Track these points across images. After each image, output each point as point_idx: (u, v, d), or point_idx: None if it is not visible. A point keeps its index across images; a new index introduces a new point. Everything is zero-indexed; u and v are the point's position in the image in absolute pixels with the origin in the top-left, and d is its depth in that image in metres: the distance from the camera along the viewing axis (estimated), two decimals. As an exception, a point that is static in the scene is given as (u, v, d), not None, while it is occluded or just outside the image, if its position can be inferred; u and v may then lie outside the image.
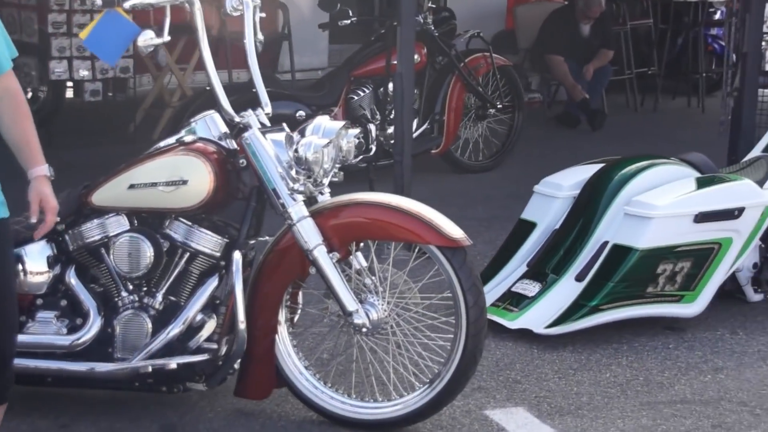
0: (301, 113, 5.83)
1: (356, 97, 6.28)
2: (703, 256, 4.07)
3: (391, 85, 6.30)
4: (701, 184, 4.14)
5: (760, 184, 4.32)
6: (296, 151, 3.07)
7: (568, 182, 4.35)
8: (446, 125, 6.64)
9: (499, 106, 6.86)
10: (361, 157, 6.14)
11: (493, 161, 6.97)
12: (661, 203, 4.01)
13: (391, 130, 6.30)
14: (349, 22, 6.41)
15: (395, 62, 5.72)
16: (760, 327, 4.18)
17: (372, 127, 6.24)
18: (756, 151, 4.55)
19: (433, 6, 6.42)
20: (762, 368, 3.79)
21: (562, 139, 8.13)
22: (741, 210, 4.08)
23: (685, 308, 4.10)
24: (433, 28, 6.48)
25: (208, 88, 3.31)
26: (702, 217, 4.02)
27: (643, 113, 9.34)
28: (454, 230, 3.11)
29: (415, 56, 6.37)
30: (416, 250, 3.25)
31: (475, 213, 5.93)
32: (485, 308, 3.15)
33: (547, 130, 8.40)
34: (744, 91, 5.74)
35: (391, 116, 6.35)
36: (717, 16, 10.68)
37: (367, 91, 6.29)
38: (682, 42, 9.88)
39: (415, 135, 6.49)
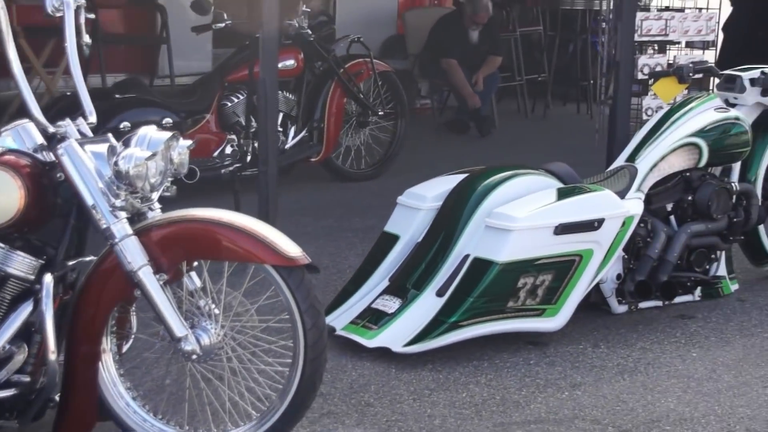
0: (168, 120, 5.58)
1: (230, 104, 6.07)
2: (564, 269, 3.98)
3: (266, 91, 6.15)
4: (562, 195, 4.05)
5: (623, 194, 4.27)
6: (116, 164, 2.87)
7: (431, 193, 4.22)
8: (326, 132, 6.48)
9: (380, 113, 6.74)
10: (234, 166, 5.98)
11: (375, 169, 6.83)
12: (520, 215, 3.91)
13: (266, 138, 6.14)
14: (223, 25, 6.22)
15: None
16: (622, 340, 4.11)
17: (234, 136, 6.03)
18: (620, 161, 4.49)
19: (308, 10, 6.24)
20: (619, 383, 3.71)
21: (450, 147, 8.05)
22: (601, 221, 4.01)
23: (547, 322, 4.01)
24: (310, 32, 6.33)
25: (69, 93, 3.08)
26: (562, 229, 3.93)
27: (533, 119, 9.34)
28: (290, 248, 2.93)
29: (291, 61, 6.27)
30: (252, 269, 3.07)
31: (351, 224, 5.78)
32: (325, 331, 2.98)
33: (436, 136, 8.32)
34: (617, 99, 5.70)
35: (267, 123, 6.19)
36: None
37: (241, 98, 6.09)
38: (572, 49, 9.92)
39: (293, 142, 6.36)
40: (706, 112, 4.50)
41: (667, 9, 6.17)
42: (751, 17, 8.14)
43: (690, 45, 6.22)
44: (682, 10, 6.31)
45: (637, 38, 5.91)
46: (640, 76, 5.97)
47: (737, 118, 4.51)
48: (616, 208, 4.08)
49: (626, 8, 5.73)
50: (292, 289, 2.93)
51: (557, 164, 4.29)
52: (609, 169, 4.52)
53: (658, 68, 5.95)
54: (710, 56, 8.02)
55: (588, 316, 4.34)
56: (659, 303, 4.40)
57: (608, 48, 6.24)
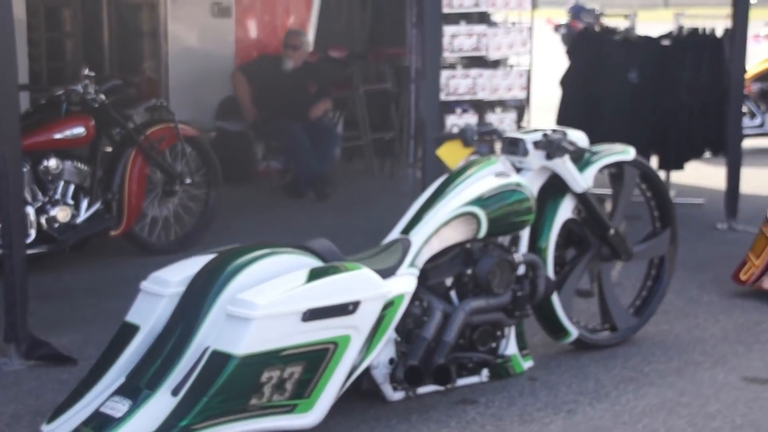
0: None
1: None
2: (316, 359, 3.57)
3: (53, 162, 5.70)
4: (313, 276, 3.65)
5: (393, 270, 3.91)
6: None
7: (176, 277, 3.77)
8: (127, 203, 6.02)
9: (188, 182, 6.33)
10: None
11: (186, 241, 6.37)
12: (262, 301, 3.50)
13: (54, 212, 5.68)
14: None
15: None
16: (390, 434, 3.74)
17: (30, 209, 5.57)
18: (395, 233, 4.15)
19: (92, 74, 5.82)
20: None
21: (282, 212, 7.68)
22: (356, 304, 3.62)
23: (300, 419, 3.58)
24: (103, 97, 5.90)
25: None
26: (311, 315, 3.53)
27: (380, 179, 9.03)
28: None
29: (80, 129, 5.82)
30: None
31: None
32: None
33: (271, 201, 7.94)
34: (426, 161, 5.41)
35: (56, 196, 5.73)
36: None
37: (26, 169, 5.62)
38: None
39: (86, 216, 5.88)
40: (485, 179, 4.19)
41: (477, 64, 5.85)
42: (587, 72, 7.99)
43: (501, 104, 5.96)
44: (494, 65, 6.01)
45: (443, 97, 5.64)
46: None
47: (518, 185, 4.21)
48: (375, 289, 3.70)
49: (430, 66, 5.47)
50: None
51: (318, 240, 3.91)
52: (384, 242, 4.17)
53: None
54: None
55: (362, 405, 3.95)
56: (441, 387, 4.05)
57: (416, 108, 5.96)
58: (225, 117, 8.81)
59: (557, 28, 23.54)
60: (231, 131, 8.73)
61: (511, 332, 4.26)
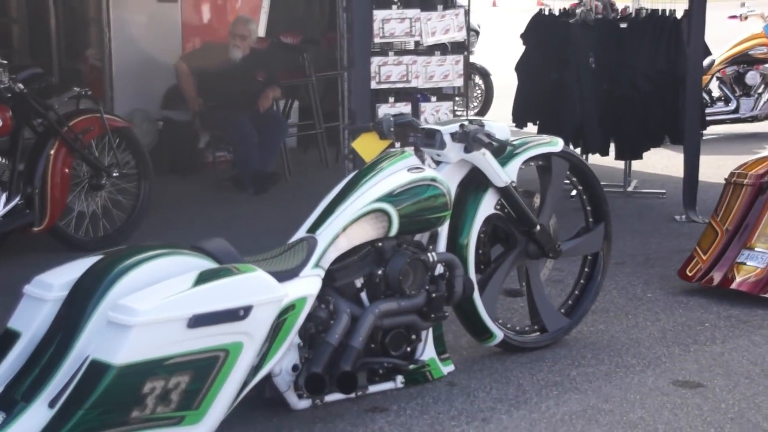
0: None
1: None
2: (205, 368, 3.32)
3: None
4: (201, 279, 3.38)
5: (296, 271, 3.66)
6: None
7: (60, 280, 3.50)
8: (50, 197, 5.77)
9: (116, 175, 6.07)
10: None
11: (113, 238, 6.06)
12: (144, 307, 3.25)
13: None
14: None
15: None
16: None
17: None
18: (301, 232, 3.91)
19: (5, 62, 5.55)
20: None
21: (224, 205, 7.43)
22: (248, 309, 3.37)
23: (189, 431, 3.34)
24: (21, 86, 5.64)
25: None
26: (197, 321, 3.27)
27: (335, 170, 8.76)
28: None
29: (-4, 120, 5.58)
30: None
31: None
32: None
33: (214, 194, 7.69)
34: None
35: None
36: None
37: None
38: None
39: (4, 211, 5.62)
40: (398, 173, 3.94)
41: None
42: (542, 57, 7.75)
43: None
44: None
45: (375, 85, 5.39)
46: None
47: (433, 179, 3.96)
48: (269, 292, 3.45)
49: (359, 52, 5.22)
50: None
51: (215, 240, 3.65)
52: (290, 241, 3.93)
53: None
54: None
55: (265, 414, 3.73)
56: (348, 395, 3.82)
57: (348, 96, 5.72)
58: (171, 106, 8.57)
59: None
60: (177, 121, 8.51)
61: (429, 335, 4.03)
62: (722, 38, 11.70)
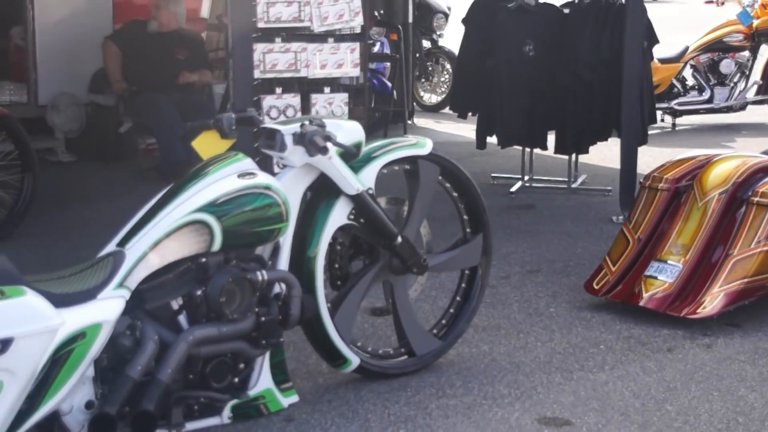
0: None
1: None
2: (-40, 408, 2.90)
3: None
4: (-43, 305, 2.97)
5: (92, 293, 3.17)
6: None
7: None
8: None
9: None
10: None
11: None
12: None
13: None
14: None
15: None
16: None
17: None
18: (111, 245, 3.44)
19: None
20: None
21: (136, 198, 6.89)
22: (7, 342, 2.91)
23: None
24: None
25: None
26: (-52, 356, 2.86)
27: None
28: None
29: None
30: None
31: None
32: None
33: (133, 185, 7.23)
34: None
35: None
36: (376, 48, 9.82)
37: None
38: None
39: None
40: (224, 180, 3.45)
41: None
42: (481, 44, 7.24)
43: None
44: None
45: (259, 75, 4.90)
46: (267, 121, 4.94)
47: (267, 187, 3.47)
48: (38, 321, 2.98)
49: (239, 39, 4.73)
50: None
51: (-4, 258, 3.21)
52: (100, 255, 3.46)
53: (290, 111, 4.97)
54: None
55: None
56: (165, 432, 3.36)
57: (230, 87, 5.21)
58: (98, 90, 8.10)
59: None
60: (104, 106, 8.05)
61: (264, 363, 3.57)
62: (699, 24, 11.18)
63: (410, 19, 10.00)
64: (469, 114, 7.60)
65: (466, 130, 8.49)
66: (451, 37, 12.69)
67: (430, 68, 11.03)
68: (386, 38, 9.85)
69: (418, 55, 10.70)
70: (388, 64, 9.63)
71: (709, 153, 4.97)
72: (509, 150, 7.62)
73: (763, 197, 4.44)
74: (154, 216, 3.39)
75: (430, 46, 11.19)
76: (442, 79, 11.29)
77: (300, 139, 3.53)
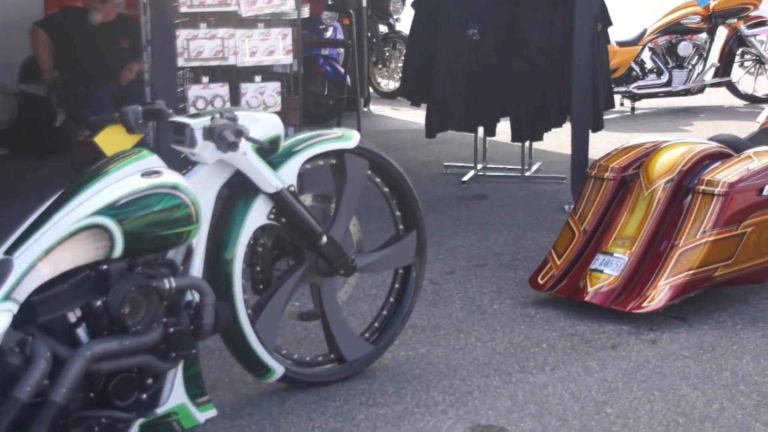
0: None
1: None
2: None
3: None
4: None
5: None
6: None
7: None
8: None
9: None
10: None
11: None
12: None
13: None
14: None
15: None
16: None
17: None
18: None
19: None
20: None
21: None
22: None
23: None
24: None
25: None
26: None
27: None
28: None
29: None
30: None
31: None
32: None
33: (65, 179, 6.92)
34: (161, 144, 4.41)
35: None
36: (329, 34, 9.55)
37: None
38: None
39: None
40: (126, 180, 3.17)
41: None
42: (428, 27, 6.98)
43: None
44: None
45: (183, 63, 4.62)
46: (192, 111, 4.67)
47: (174, 186, 3.19)
48: None
49: (158, 24, 4.45)
50: None
51: None
52: (-4, 260, 3.17)
53: (218, 101, 4.69)
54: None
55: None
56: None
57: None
58: (29, 79, 7.76)
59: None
60: (36, 96, 7.71)
61: (177, 377, 3.30)
62: (661, 6, 10.98)
63: (364, 3, 9.73)
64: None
65: (423, 117, 8.27)
66: (409, 21, 12.47)
67: (387, 53, 10.77)
68: (339, 23, 9.59)
69: (375, 40, 10.45)
70: (342, 50, 9.37)
71: (657, 140, 4.75)
72: (464, 137, 7.40)
73: (709, 185, 4.23)
74: (46, 221, 3.09)
75: (387, 30, 10.93)
76: (399, 64, 11.04)
77: (209, 133, 3.26)
